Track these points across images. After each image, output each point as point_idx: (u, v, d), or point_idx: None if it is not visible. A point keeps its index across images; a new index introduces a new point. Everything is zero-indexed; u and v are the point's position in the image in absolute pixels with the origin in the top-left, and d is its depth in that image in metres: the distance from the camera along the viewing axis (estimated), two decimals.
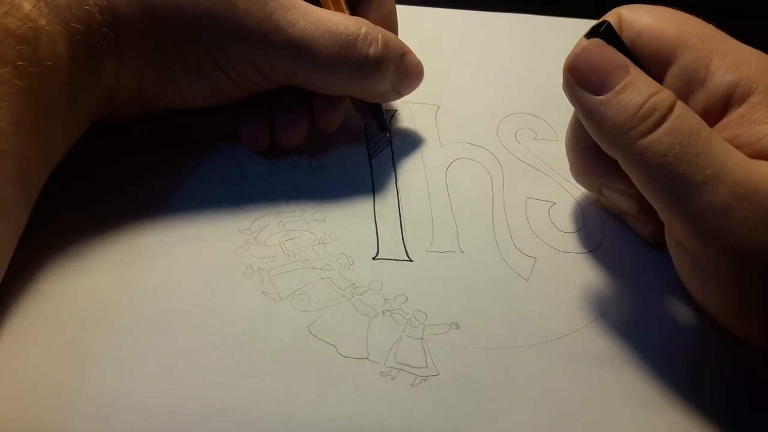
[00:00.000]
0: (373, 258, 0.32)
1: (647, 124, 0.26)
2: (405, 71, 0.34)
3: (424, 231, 0.34)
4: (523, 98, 0.41)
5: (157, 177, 0.34)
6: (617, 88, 0.26)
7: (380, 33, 0.33)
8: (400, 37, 0.35)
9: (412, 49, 0.35)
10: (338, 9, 0.33)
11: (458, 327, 0.30)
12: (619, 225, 0.35)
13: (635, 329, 0.30)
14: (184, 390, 0.27)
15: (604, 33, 0.28)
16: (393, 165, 0.36)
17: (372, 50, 0.32)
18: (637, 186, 0.27)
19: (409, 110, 0.39)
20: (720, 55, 0.28)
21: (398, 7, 0.37)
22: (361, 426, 0.27)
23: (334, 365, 0.28)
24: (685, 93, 0.28)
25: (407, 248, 0.33)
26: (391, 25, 0.36)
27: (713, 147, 0.25)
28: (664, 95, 0.26)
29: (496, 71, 0.42)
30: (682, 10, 0.29)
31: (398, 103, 0.39)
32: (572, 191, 0.36)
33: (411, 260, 0.32)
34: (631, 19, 0.29)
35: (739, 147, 0.26)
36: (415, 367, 0.29)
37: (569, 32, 0.32)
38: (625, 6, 0.30)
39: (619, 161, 0.27)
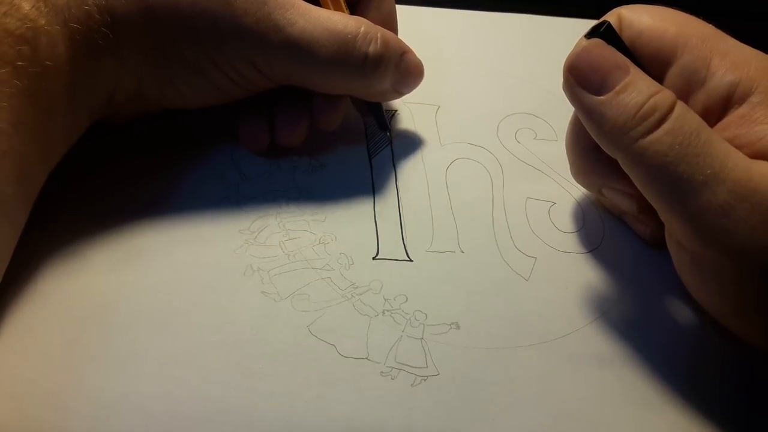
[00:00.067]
0: (373, 258, 0.32)
1: (647, 124, 0.26)
2: (405, 70, 0.34)
3: (424, 231, 0.34)
4: (523, 98, 0.41)
5: (156, 177, 0.34)
6: (617, 88, 0.26)
7: (379, 32, 0.33)
8: (400, 37, 0.35)
9: (413, 49, 0.35)
10: (337, 8, 0.33)
11: (458, 327, 0.30)
12: (619, 225, 0.35)
13: (635, 329, 0.30)
14: (184, 390, 0.27)
15: (605, 33, 0.28)
16: (393, 165, 0.36)
17: (371, 49, 0.32)
18: (637, 186, 0.27)
19: (409, 110, 0.39)
20: (720, 55, 0.28)
21: (398, 7, 0.37)
22: (361, 426, 0.27)
23: (334, 365, 0.28)
24: (685, 93, 0.28)
25: (407, 248, 0.33)
26: (390, 24, 0.36)
27: (713, 147, 0.25)
28: (664, 95, 0.26)
29: (496, 71, 0.42)
30: (682, 10, 0.29)
31: (398, 103, 0.39)
32: (572, 191, 0.36)
33: (411, 260, 0.32)
34: (631, 19, 0.29)
35: (739, 147, 0.26)
36: (415, 367, 0.29)
37: (569, 32, 0.32)
38: (625, 6, 0.30)
39: (619, 161, 0.27)
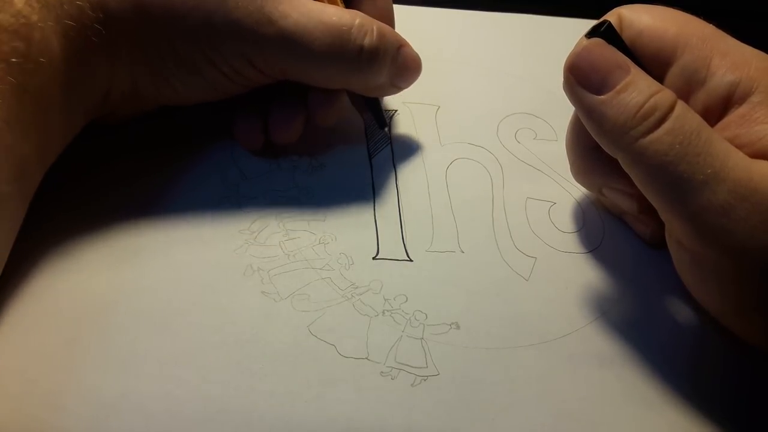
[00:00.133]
0: (373, 258, 0.32)
1: (648, 124, 0.26)
2: (402, 64, 0.34)
3: (424, 231, 0.34)
4: (523, 98, 0.41)
5: (156, 177, 0.34)
6: (618, 87, 0.26)
7: (375, 24, 0.32)
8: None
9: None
10: (332, 1, 0.33)
11: (458, 327, 0.30)
12: (619, 225, 0.35)
13: (635, 329, 0.30)
14: (184, 390, 0.27)
15: (605, 33, 0.28)
16: (393, 165, 0.36)
17: (367, 41, 0.32)
18: (637, 185, 0.27)
19: (409, 110, 0.39)
20: (720, 54, 0.28)
21: (398, 7, 0.37)
22: (361, 426, 0.27)
23: (334, 365, 0.28)
24: (685, 93, 0.28)
25: (407, 248, 0.33)
26: (387, 18, 0.35)
27: (714, 146, 0.25)
28: (664, 95, 0.26)
29: (496, 71, 0.42)
30: (683, 10, 0.29)
31: (398, 104, 0.39)
32: (572, 191, 0.36)
33: (411, 260, 0.32)
34: (631, 18, 0.29)
35: (739, 147, 0.26)
36: (415, 367, 0.29)
37: (569, 32, 0.32)
38: (625, 6, 0.30)
39: (620, 161, 0.27)
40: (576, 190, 0.36)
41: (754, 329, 0.28)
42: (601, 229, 0.34)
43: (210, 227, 0.33)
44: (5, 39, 0.26)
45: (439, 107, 0.40)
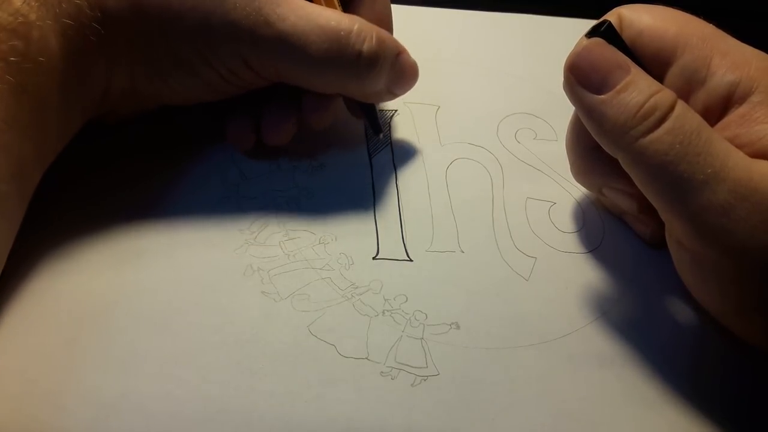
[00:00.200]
0: (373, 258, 0.32)
1: (648, 124, 0.26)
2: (400, 71, 0.34)
3: (424, 231, 0.34)
4: (523, 98, 0.41)
5: (156, 177, 0.34)
6: (618, 87, 0.26)
7: (375, 30, 0.32)
8: (399, 37, 0.35)
9: (413, 49, 0.34)
10: (329, 4, 0.33)
11: (458, 327, 0.30)
12: (619, 225, 0.35)
13: (635, 329, 0.30)
14: (184, 390, 0.27)
15: (605, 32, 0.28)
16: (393, 165, 0.36)
17: (366, 47, 0.32)
18: (637, 185, 0.27)
19: (409, 110, 0.39)
20: (720, 54, 0.28)
21: (398, 7, 0.37)
22: (361, 426, 0.27)
23: (334, 365, 0.28)
24: (685, 92, 0.28)
25: (407, 248, 0.33)
26: (385, 23, 0.35)
27: (714, 146, 0.25)
28: (664, 94, 0.26)
29: (496, 71, 0.42)
30: (683, 10, 0.29)
31: (398, 104, 0.39)
32: (572, 191, 0.36)
33: (411, 260, 0.32)
34: (631, 18, 0.29)
35: (739, 146, 0.26)
36: (415, 367, 0.29)
37: (569, 32, 0.32)
38: (625, 6, 0.30)
39: (620, 160, 0.27)
40: (576, 190, 0.36)
41: (754, 329, 0.28)
42: (601, 229, 0.34)
43: (210, 227, 0.32)
44: (3, 38, 0.26)
45: (439, 107, 0.40)
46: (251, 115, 0.35)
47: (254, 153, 0.36)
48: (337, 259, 0.32)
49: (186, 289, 0.30)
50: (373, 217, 0.34)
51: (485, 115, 0.40)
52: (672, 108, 0.26)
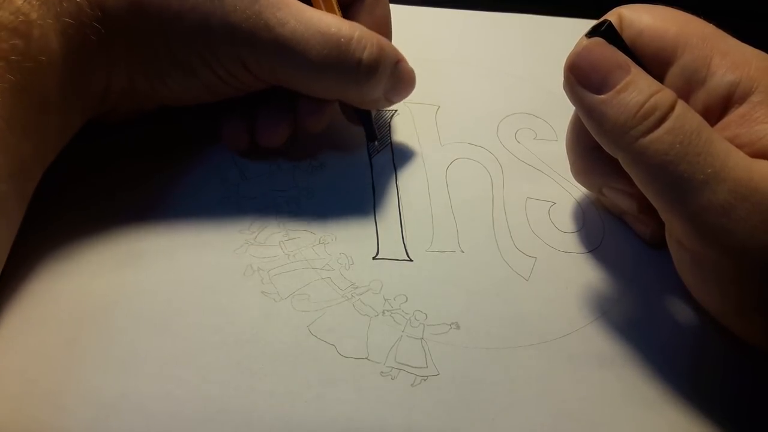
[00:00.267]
0: (373, 258, 0.32)
1: (648, 123, 0.26)
2: (398, 78, 0.34)
3: (424, 231, 0.34)
4: (523, 98, 0.41)
5: (157, 179, 0.34)
6: (618, 87, 0.26)
7: (375, 38, 0.32)
8: (399, 37, 0.35)
9: (413, 49, 0.34)
10: (329, 9, 0.33)
11: (458, 327, 0.30)
12: (619, 225, 0.35)
13: (635, 329, 0.30)
14: (184, 390, 0.27)
15: (605, 32, 0.28)
16: (393, 165, 0.36)
17: (366, 55, 0.32)
18: (637, 185, 0.27)
19: (409, 110, 0.39)
20: (721, 54, 0.28)
21: (398, 7, 0.37)
22: (361, 426, 0.27)
23: (334, 365, 0.28)
24: (685, 92, 0.28)
25: (407, 248, 0.33)
26: (384, 28, 0.35)
27: (714, 146, 0.25)
28: (665, 94, 0.26)
29: (496, 71, 0.42)
30: (683, 10, 0.29)
31: (398, 104, 0.39)
32: (572, 191, 0.36)
33: (411, 260, 0.32)
34: (631, 18, 0.29)
35: (739, 146, 0.26)
36: (415, 367, 0.29)
37: (569, 32, 0.32)
38: (625, 5, 0.30)
39: (620, 160, 0.27)
40: (576, 190, 0.36)
41: (754, 329, 0.28)
42: (601, 229, 0.34)
43: (210, 228, 0.32)
44: (4, 36, 0.26)
45: (439, 107, 0.40)
46: (246, 116, 0.35)
47: (254, 153, 0.36)
48: (337, 259, 0.32)
49: (186, 289, 0.30)
50: (373, 217, 0.34)
51: (485, 115, 0.40)
52: (672, 108, 0.26)
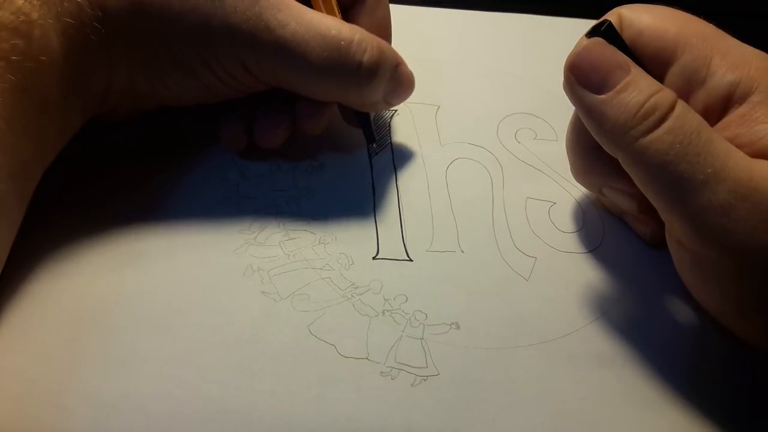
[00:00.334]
0: (373, 258, 0.32)
1: (648, 123, 0.26)
2: (398, 81, 0.34)
3: (424, 231, 0.34)
4: (523, 98, 0.41)
5: (157, 179, 0.34)
6: (618, 87, 0.26)
7: (375, 41, 0.32)
8: (399, 37, 0.35)
9: (413, 50, 0.34)
10: (329, 10, 0.33)
11: (458, 327, 0.30)
12: (619, 225, 0.35)
13: (635, 329, 0.30)
14: (184, 390, 0.27)
15: (605, 32, 0.28)
16: (393, 165, 0.36)
17: (366, 57, 0.32)
18: (637, 185, 0.27)
19: (409, 110, 0.39)
20: (721, 54, 0.28)
21: (398, 7, 0.37)
22: (361, 426, 0.27)
23: (334, 365, 0.28)
24: (685, 92, 0.28)
25: (407, 248, 0.33)
26: (384, 30, 0.35)
27: (714, 146, 0.25)
28: (665, 94, 0.26)
29: (496, 71, 0.42)
30: (683, 10, 0.29)
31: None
32: (572, 191, 0.36)
33: (411, 260, 0.32)
34: (631, 18, 0.29)
35: (739, 146, 0.26)
36: (415, 367, 0.29)
37: (569, 32, 0.32)
38: (625, 6, 0.30)
39: (620, 160, 0.27)
40: (576, 190, 0.36)
41: (754, 329, 0.28)
42: (601, 229, 0.34)
43: (210, 228, 0.33)
44: (5, 36, 0.26)
45: (439, 107, 0.40)
46: (245, 117, 0.35)
47: (254, 154, 0.36)
48: (337, 259, 0.32)
49: (186, 289, 0.30)
50: (373, 217, 0.34)
51: (485, 115, 0.40)
52: (672, 108, 0.26)
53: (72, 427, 0.26)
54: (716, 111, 0.28)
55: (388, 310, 0.30)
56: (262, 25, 0.30)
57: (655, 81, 0.27)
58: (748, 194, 0.25)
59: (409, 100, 0.35)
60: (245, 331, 0.29)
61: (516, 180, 0.36)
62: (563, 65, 0.28)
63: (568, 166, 0.34)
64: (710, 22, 0.29)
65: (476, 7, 0.46)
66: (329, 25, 0.31)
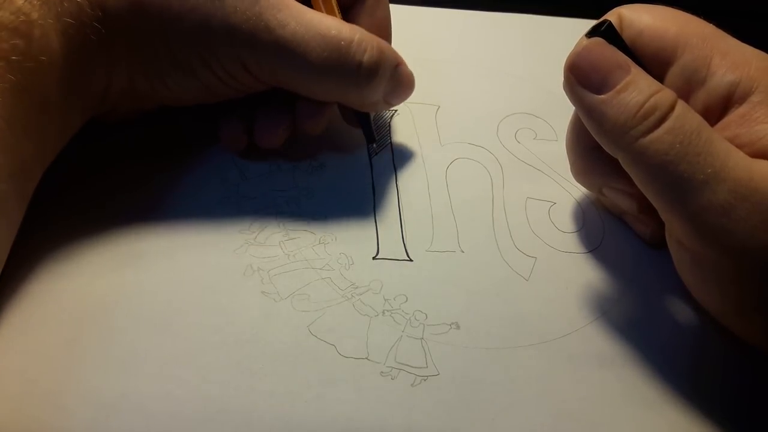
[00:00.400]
0: (373, 258, 0.32)
1: (648, 123, 0.26)
2: (398, 81, 0.34)
3: (424, 231, 0.34)
4: (523, 98, 0.41)
5: (157, 179, 0.34)
6: (618, 87, 0.26)
7: (375, 41, 0.32)
8: (399, 37, 0.35)
9: (413, 50, 0.34)
10: (329, 10, 0.33)
11: (458, 327, 0.30)
12: (619, 225, 0.35)
13: (635, 329, 0.30)
14: (184, 390, 0.27)
15: (605, 32, 0.28)
16: (393, 165, 0.36)
17: (366, 58, 0.32)
18: (637, 185, 0.27)
19: (409, 110, 0.39)
20: (721, 54, 0.28)
21: (398, 7, 0.37)
22: (361, 426, 0.27)
23: (334, 365, 0.28)
24: (685, 92, 0.28)
25: (407, 248, 0.33)
26: (384, 30, 0.35)
27: (714, 146, 0.25)
28: (665, 94, 0.26)
29: (496, 71, 0.42)
30: (683, 10, 0.29)
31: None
32: (572, 191, 0.36)
33: (411, 260, 0.32)
34: (631, 18, 0.29)
35: (739, 146, 0.26)
36: (415, 367, 0.29)
37: (569, 32, 0.32)
38: (625, 5, 0.30)
39: (620, 160, 0.27)
40: (576, 190, 0.36)
41: (754, 329, 0.28)
42: (601, 229, 0.34)
43: (210, 228, 0.33)
44: (5, 36, 0.26)
45: (439, 107, 0.40)
46: (245, 117, 0.35)
47: (254, 154, 0.36)
48: (337, 259, 0.32)
49: (186, 289, 0.30)
50: (373, 217, 0.34)
51: (485, 115, 0.40)
52: (672, 108, 0.26)
53: (72, 427, 0.26)
54: (716, 111, 0.28)
55: (388, 310, 0.30)
56: (262, 25, 0.30)
57: (655, 81, 0.27)
58: (748, 194, 0.25)
59: (409, 100, 0.35)
60: (245, 331, 0.29)
61: (516, 180, 0.36)
62: (563, 65, 0.28)
63: (568, 166, 0.34)
64: (710, 22, 0.29)
65: (476, 7, 0.46)
66: (329, 25, 0.31)
